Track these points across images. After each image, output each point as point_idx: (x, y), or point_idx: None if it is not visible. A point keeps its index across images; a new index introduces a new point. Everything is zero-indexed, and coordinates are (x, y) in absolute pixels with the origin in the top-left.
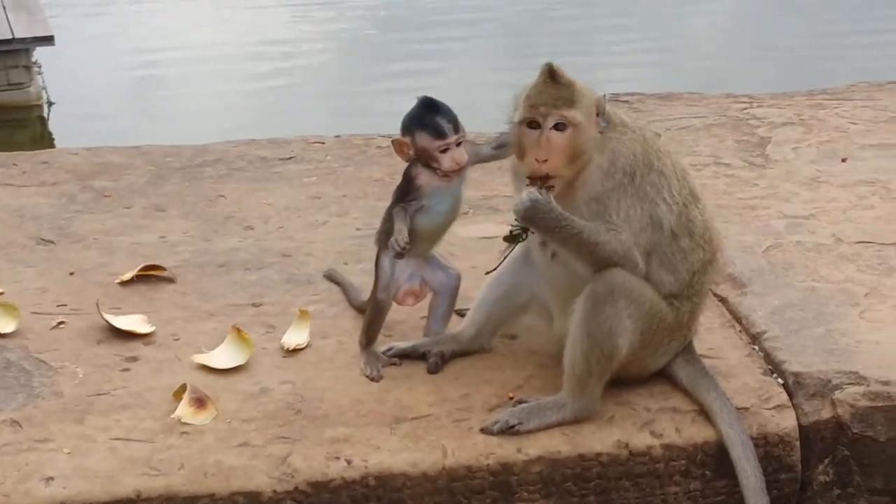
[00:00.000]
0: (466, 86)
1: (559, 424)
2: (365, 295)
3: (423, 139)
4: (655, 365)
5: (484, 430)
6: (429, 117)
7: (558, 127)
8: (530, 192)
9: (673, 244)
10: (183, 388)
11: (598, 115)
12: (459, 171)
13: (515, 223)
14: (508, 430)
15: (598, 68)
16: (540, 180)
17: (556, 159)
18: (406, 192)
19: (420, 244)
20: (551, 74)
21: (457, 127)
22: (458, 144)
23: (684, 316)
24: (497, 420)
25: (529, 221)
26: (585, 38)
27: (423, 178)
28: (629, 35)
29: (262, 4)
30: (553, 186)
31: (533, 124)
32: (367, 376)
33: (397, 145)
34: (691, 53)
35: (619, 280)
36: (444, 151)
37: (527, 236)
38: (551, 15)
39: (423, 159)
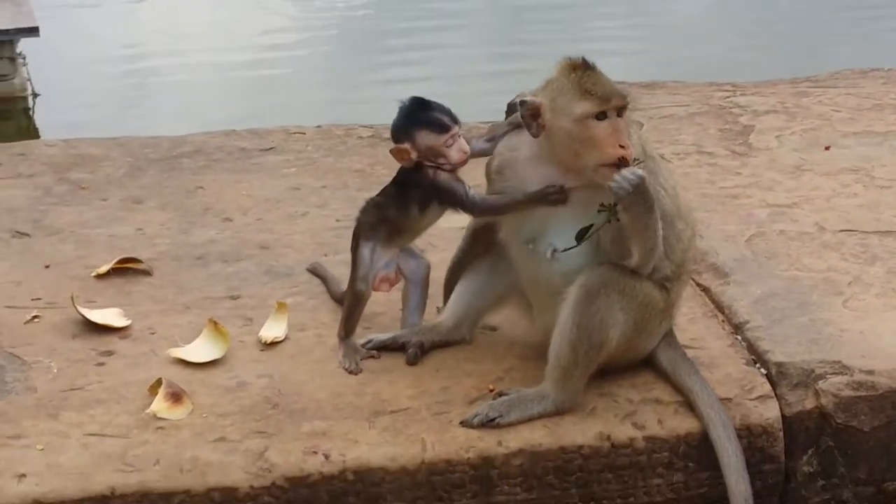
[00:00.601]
0: (449, 77)
1: (540, 417)
2: (345, 287)
3: (428, 137)
4: (645, 350)
5: (464, 423)
6: (426, 115)
7: (620, 113)
8: (633, 170)
9: (670, 229)
10: (158, 383)
11: None
12: (465, 161)
13: (603, 206)
14: (489, 423)
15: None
16: (622, 166)
17: (630, 147)
18: (420, 201)
19: (409, 237)
20: (586, 64)
21: (454, 118)
22: (458, 135)
23: (675, 297)
24: (477, 413)
25: (636, 197)
26: (568, 25)
27: (443, 176)
28: (612, 23)
29: None
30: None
31: (600, 115)
32: (346, 369)
33: (398, 153)
34: (674, 42)
35: (616, 274)
36: (449, 145)
37: (614, 219)
38: (533, 4)
39: (429, 159)
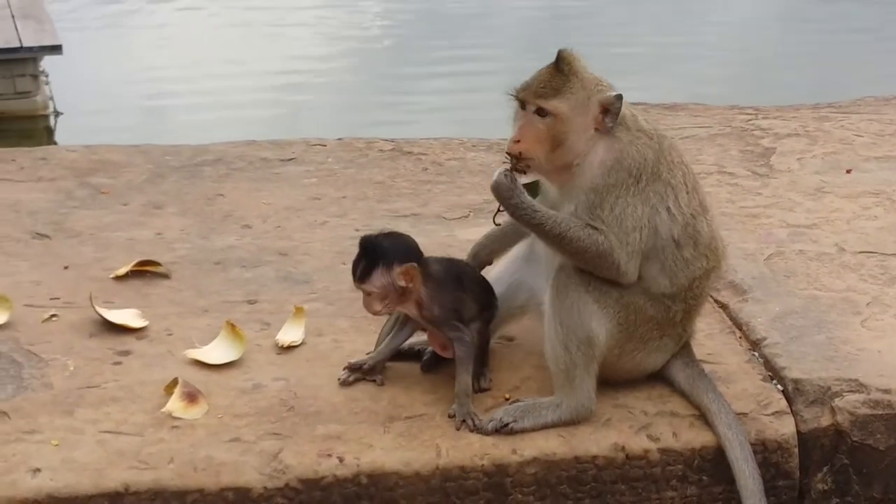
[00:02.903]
0: (468, 92)
1: (554, 425)
2: None
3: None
4: (650, 363)
5: (478, 429)
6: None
7: (540, 112)
8: (498, 172)
9: (676, 253)
10: (174, 383)
11: (603, 113)
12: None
13: None
14: (503, 429)
15: (611, 75)
16: (514, 160)
17: (530, 144)
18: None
19: None
20: (557, 61)
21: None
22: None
23: (676, 315)
24: (492, 418)
25: (496, 198)
26: (590, 47)
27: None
28: (635, 45)
29: (268, 17)
30: (525, 170)
31: (522, 104)
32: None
33: (408, 276)
34: (697, 65)
35: (578, 272)
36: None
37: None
38: (555, 24)
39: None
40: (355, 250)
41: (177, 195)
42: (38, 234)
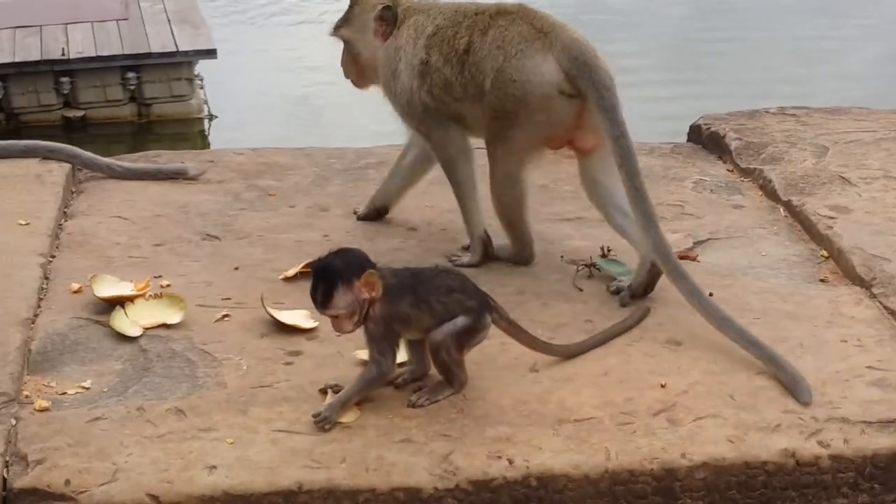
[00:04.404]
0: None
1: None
2: None
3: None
4: None
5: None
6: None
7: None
8: None
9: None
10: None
11: (379, 22)
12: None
13: None
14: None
15: (764, 83)
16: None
17: (345, 69)
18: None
19: None
20: None
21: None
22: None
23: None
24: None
25: None
26: (750, 51)
27: None
28: (784, 45)
29: None
30: (361, 88)
31: None
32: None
33: (370, 285)
34: (857, 70)
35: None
36: None
37: None
38: (714, 28)
39: None
40: None
41: (342, 197)
42: (208, 235)
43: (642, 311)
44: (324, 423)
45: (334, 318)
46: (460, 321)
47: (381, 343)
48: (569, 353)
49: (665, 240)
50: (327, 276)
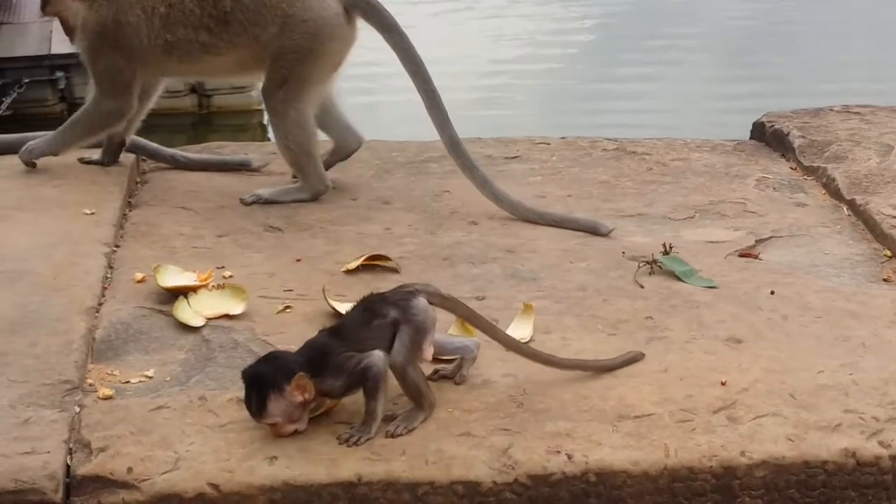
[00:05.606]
0: (682, 93)
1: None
2: None
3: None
4: None
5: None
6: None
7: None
8: None
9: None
10: None
11: None
12: None
13: None
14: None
15: (827, 80)
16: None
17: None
18: None
19: None
20: None
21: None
22: None
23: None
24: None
25: None
26: (812, 46)
27: None
28: (848, 52)
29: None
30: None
31: None
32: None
33: (301, 388)
34: None
35: None
36: None
37: None
38: (776, 21)
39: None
40: (582, 249)
41: (404, 190)
42: (270, 226)
43: (633, 355)
44: (357, 436)
45: (272, 425)
46: (403, 334)
47: (350, 378)
48: (519, 350)
49: (457, 137)
50: (258, 386)
